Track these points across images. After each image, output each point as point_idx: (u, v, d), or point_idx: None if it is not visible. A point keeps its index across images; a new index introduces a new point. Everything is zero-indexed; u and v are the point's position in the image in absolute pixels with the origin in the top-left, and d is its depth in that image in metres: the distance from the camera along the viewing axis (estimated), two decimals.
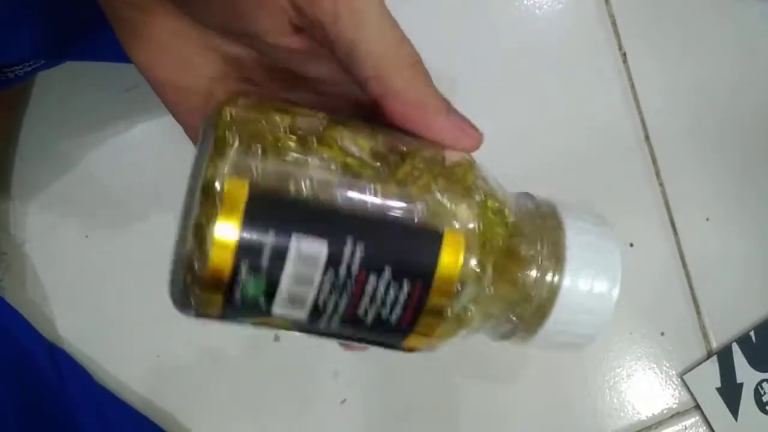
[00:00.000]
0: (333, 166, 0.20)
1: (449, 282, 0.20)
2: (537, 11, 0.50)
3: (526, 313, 0.22)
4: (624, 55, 0.49)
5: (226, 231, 0.18)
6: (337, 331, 0.20)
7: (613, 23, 0.50)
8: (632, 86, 0.49)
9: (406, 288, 0.19)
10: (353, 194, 0.20)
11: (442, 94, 0.23)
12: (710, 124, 0.49)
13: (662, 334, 0.47)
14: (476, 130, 0.23)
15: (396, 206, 0.20)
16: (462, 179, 0.21)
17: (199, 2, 0.22)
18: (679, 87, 0.50)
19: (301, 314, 0.19)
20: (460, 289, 0.20)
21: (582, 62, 0.50)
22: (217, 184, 0.18)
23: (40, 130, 0.47)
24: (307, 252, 0.18)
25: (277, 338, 0.45)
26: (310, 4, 0.21)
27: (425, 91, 0.23)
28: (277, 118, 0.20)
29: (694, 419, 0.46)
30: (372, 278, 0.19)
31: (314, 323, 0.20)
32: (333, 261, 0.19)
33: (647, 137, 0.49)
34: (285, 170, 0.19)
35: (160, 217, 0.46)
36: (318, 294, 0.19)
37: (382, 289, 0.19)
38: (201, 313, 0.20)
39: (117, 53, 0.24)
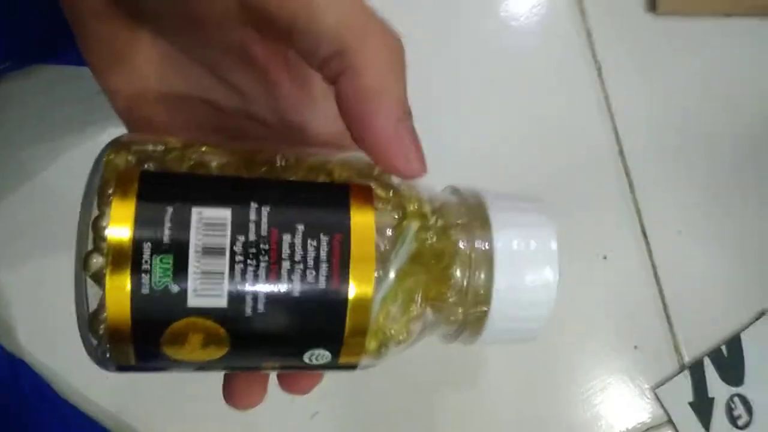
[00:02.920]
0: (220, 160, 0.20)
1: (366, 228, 0.19)
2: (513, 23, 0.50)
3: (466, 312, 0.21)
4: (599, 69, 0.50)
5: (123, 211, 0.17)
6: (263, 323, 0.18)
7: (588, 36, 0.50)
8: (606, 99, 0.49)
9: (324, 241, 0.18)
10: (248, 174, 0.20)
11: (408, 105, 0.19)
12: (683, 138, 0.50)
13: (635, 347, 0.47)
14: (422, 160, 0.19)
15: (296, 179, 0.20)
16: (368, 177, 0.21)
17: None
18: (653, 100, 0.50)
19: (221, 299, 0.18)
20: (381, 241, 0.19)
21: (557, 75, 0.50)
22: (109, 177, 0.18)
23: (4, 133, 0.46)
24: (210, 219, 0.18)
25: None
26: None
27: (389, 84, 0.19)
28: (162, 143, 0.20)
29: None
30: (286, 237, 0.18)
31: (237, 311, 0.18)
32: (239, 225, 0.18)
33: (621, 151, 0.49)
34: (172, 160, 0.19)
35: None
36: (232, 264, 0.17)
37: (299, 247, 0.18)
38: (113, 340, 0.18)
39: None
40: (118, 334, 0.18)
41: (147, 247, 0.17)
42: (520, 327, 0.22)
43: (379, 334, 0.20)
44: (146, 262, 0.17)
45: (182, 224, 0.17)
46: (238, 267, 0.18)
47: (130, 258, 0.17)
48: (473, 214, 0.21)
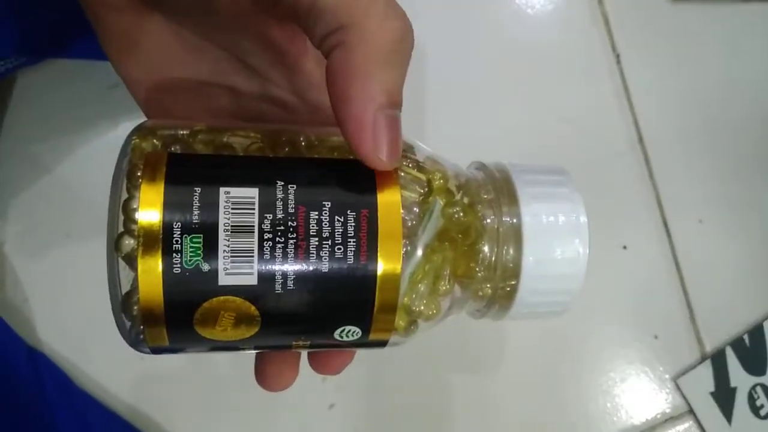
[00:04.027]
0: (246, 141, 0.20)
1: (393, 204, 0.19)
2: (529, 11, 0.49)
3: (495, 287, 0.21)
4: (617, 56, 0.49)
5: (152, 193, 0.17)
6: (293, 300, 0.18)
7: (606, 24, 0.49)
8: (625, 87, 0.49)
9: (351, 217, 0.18)
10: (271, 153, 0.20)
11: (398, 94, 0.18)
12: (703, 125, 0.49)
13: (655, 337, 0.46)
14: (393, 154, 0.18)
15: (321, 157, 0.20)
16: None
17: None
18: (673, 88, 0.49)
19: (252, 277, 0.18)
20: (408, 217, 0.19)
21: (575, 63, 0.49)
22: (137, 160, 0.18)
23: (20, 128, 0.46)
24: (237, 199, 0.18)
25: None
26: None
27: (379, 67, 0.17)
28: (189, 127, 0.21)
29: (687, 424, 0.46)
30: (313, 214, 0.18)
31: (267, 288, 0.18)
32: (267, 203, 0.18)
33: (640, 139, 0.48)
34: (198, 143, 0.20)
35: None
36: (261, 242, 0.18)
37: (327, 224, 0.18)
38: (146, 321, 0.18)
39: (100, 51, 0.24)
40: (151, 315, 0.18)
41: (177, 228, 0.17)
42: (550, 301, 0.21)
43: (409, 310, 0.20)
44: (177, 242, 0.17)
45: (210, 204, 0.17)
46: (267, 245, 0.18)
47: (161, 238, 0.17)
48: (500, 188, 0.21)
